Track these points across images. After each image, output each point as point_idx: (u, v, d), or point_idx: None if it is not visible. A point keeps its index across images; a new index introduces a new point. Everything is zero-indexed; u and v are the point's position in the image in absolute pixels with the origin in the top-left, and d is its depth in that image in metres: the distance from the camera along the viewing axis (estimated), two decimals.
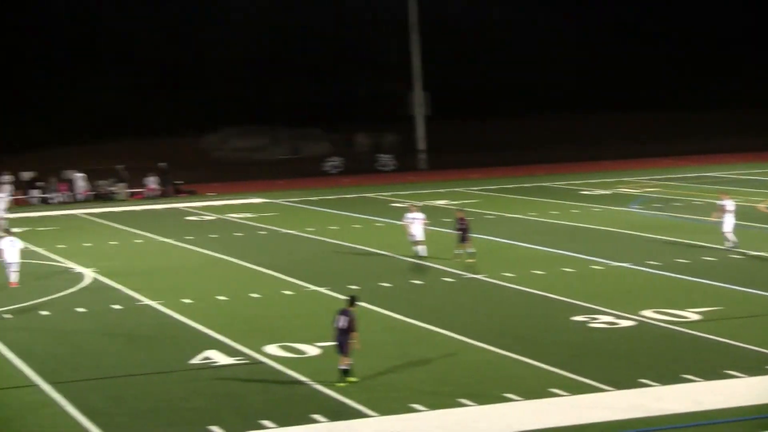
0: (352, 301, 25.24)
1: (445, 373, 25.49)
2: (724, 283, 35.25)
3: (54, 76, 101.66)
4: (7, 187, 68.16)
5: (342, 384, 24.42)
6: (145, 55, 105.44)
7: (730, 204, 41.91)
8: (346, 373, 24.63)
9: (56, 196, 70.93)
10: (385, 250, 44.02)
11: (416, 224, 41.43)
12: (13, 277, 38.30)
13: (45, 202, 70.37)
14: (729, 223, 41.57)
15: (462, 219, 41.36)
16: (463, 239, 40.83)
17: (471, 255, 40.54)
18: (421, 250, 41.28)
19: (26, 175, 73.08)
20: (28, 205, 69.31)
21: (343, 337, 24.67)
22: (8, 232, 40.11)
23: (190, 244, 48.42)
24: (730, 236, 41.45)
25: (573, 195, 63.58)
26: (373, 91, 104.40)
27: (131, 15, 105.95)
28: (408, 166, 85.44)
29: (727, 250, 40.99)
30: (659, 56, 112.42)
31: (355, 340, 24.72)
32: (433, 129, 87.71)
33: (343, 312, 24.85)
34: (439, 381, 24.80)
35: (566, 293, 34.23)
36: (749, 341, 27.30)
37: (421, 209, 43.78)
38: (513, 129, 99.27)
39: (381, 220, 54.39)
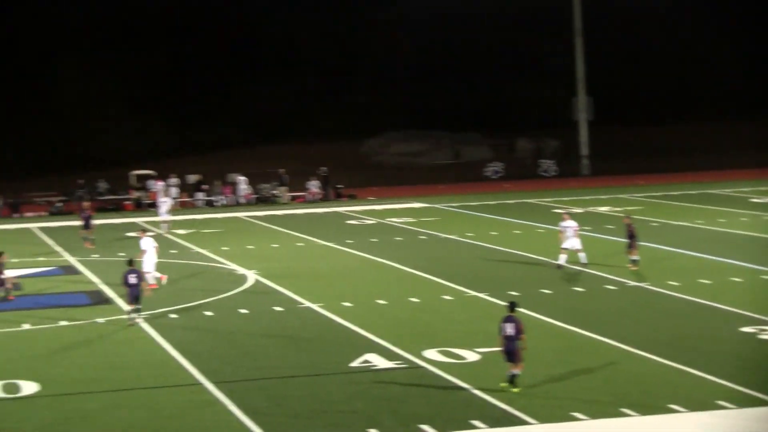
0: (513, 306, 24.94)
1: (606, 382, 25.00)
2: None
3: (219, 82, 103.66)
4: (174, 190, 69.61)
5: (504, 384, 24.18)
6: (309, 61, 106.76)
7: None
8: (512, 380, 24.34)
9: (220, 199, 72.11)
10: (546, 257, 43.48)
11: (569, 232, 40.84)
12: (151, 279, 38.56)
13: (209, 205, 71.62)
14: None
15: (629, 225, 40.66)
16: (630, 246, 40.15)
17: (634, 263, 39.80)
18: (582, 257, 40.67)
19: (192, 178, 74.48)
20: (194, 208, 70.60)
21: (512, 344, 24.38)
22: (144, 232, 40.52)
23: (351, 248, 48.65)
24: None
25: (742, 203, 61.94)
26: (535, 96, 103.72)
27: (295, 21, 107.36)
28: (570, 172, 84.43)
29: None
30: None
31: (524, 342, 24.42)
32: (596, 134, 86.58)
33: (509, 319, 24.55)
34: (601, 390, 24.34)
35: (734, 303, 33.28)
36: None
37: (580, 216, 43.10)
38: (678, 134, 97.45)
39: (542, 226, 53.76)
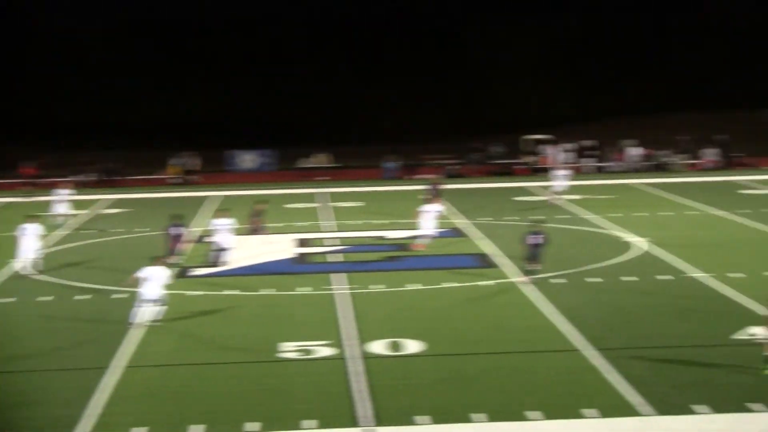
0: None
1: None
2: None
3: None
4: (563, 156, 69.30)
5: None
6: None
7: None
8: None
9: (611, 165, 71.32)
10: None
11: None
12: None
13: (599, 171, 70.95)
14: None
15: None
16: None
17: None
18: None
19: (585, 144, 73.79)
20: (580, 173, 69.48)
21: None
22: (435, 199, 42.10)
23: (745, 218, 47.02)
24: None
25: None
26: None
27: None
28: None
29: None
30: None
31: None
32: None
33: None
34: None
35: None
36: None
37: None
38: None
39: None
